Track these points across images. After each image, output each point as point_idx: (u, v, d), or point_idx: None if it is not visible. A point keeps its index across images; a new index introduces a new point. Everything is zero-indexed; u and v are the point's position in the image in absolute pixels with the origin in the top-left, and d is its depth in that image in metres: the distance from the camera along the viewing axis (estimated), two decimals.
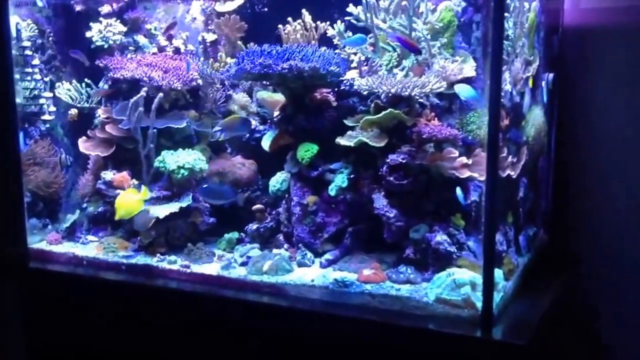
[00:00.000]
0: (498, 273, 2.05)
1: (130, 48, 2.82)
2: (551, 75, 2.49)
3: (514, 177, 2.16)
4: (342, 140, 2.23)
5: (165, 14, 2.80)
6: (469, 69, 2.27)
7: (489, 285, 1.92)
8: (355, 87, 2.21)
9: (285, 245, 2.47)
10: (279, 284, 2.25)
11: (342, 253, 2.36)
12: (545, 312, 2.12)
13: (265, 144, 2.55)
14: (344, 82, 2.32)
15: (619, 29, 2.57)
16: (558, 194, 2.72)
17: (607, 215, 2.66)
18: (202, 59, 2.71)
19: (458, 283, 2.00)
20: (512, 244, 2.25)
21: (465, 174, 2.10)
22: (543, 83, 2.45)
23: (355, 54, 2.37)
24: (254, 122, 2.67)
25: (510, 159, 2.13)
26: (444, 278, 2.04)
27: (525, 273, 2.32)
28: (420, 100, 2.20)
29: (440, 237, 2.13)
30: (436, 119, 2.20)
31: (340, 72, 2.28)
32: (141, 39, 2.82)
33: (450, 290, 2.01)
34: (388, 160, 2.15)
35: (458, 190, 2.07)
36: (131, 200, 2.51)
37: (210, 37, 2.73)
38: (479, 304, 1.94)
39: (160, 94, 2.49)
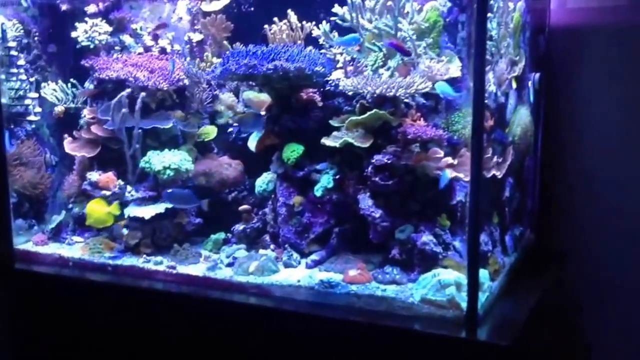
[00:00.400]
0: (483, 273, 2.06)
1: (116, 48, 2.80)
2: (537, 75, 2.49)
3: (500, 177, 2.16)
4: (327, 141, 2.22)
5: (151, 13, 2.78)
6: (455, 69, 2.27)
7: (473, 285, 1.92)
8: (341, 87, 2.21)
9: (272, 246, 2.47)
10: (265, 284, 2.24)
11: (328, 253, 2.36)
12: (532, 312, 2.13)
13: (252, 144, 2.55)
14: (330, 82, 2.32)
15: (606, 28, 2.58)
16: (545, 193, 2.72)
17: (594, 214, 2.68)
18: (188, 58, 2.69)
19: (443, 284, 2.00)
20: (497, 244, 2.25)
21: (451, 174, 2.10)
22: (529, 83, 2.46)
23: (341, 54, 2.36)
24: None
25: (495, 159, 2.14)
26: (430, 279, 2.04)
27: (511, 273, 2.32)
28: (406, 100, 2.19)
29: (425, 237, 2.13)
30: (422, 119, 2.19)
31: (325, 73, 2.27)
32: (127, 39, 2.81)
33: (435, 290, 2.01)
34: (373, 161, 2.15)
35: (444, 174, 2.06)
36: (100, 211, 2.55)
37: (196, 37, 2.72)
38: (464, 305, 1.94)
39: (143, 94, 2.47)
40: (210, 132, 2.67)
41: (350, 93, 2.22)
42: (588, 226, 2.70)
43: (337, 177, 2.25)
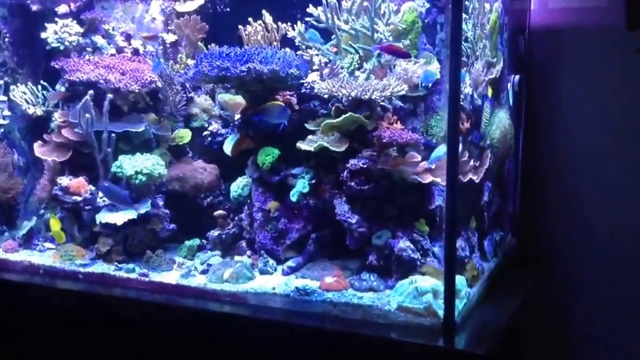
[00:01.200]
0: (461, 280, 2.02)
1: (88, 49, 2.73)
2: (517, 77, 2.46)
3: (477, 181, 2.12)
4: (302, 145, 2.17)
5: (124, 14, 2.71)
6: (433, 70, 2.22)
7: (450, 293, 1.88)
8: (316, 90, 2.16)
9: (248, 252, 2.42)
10: (239, 292, 2.19)
11: (305, 260, 2.31)
12: (511, 319, 2.09)
13: (227, 148, 2.49)
14: (305, 85, 2.27)
15: (587, 30, 2.55)
16: (526, 197, 2.69)
17: (576, 217, 2.65)
18: (162, 60, 2.62)
19: (420, 291, 1.96)
20: (476, 250, 2.21)
21: (428, 178, 2.06)
22: (509, 85, 2.42)
23: (317, 55, 2.30)
24: (216, 125, 2.60)
25: (472, 162, 2.09)
26: (407, 286, 2.00)
27: (491, 278, 2.29)
28: (382, 103, 2.14)
29: (403, 243, 2.09)
30: (399, 122, 2.15)
31: (300, 75, 2.22)
32: (99, 40, 2.74)
33: (412, 298, 1.96)
34: (348, 165, 2.09)
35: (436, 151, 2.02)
36: (55, 227, 2.52)
37: (170, 37, 2.65)
38: (441, 313, 1.89)
39: (110, 96, 2.40)
40: (184, 135, 2.61)
41: (325, 96, 2.17)
42: (570, 230, 2.67)
43: (313, 181, 2.20)
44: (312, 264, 2.29)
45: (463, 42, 2.11)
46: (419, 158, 2.07)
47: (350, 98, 2.07)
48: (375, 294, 2.08)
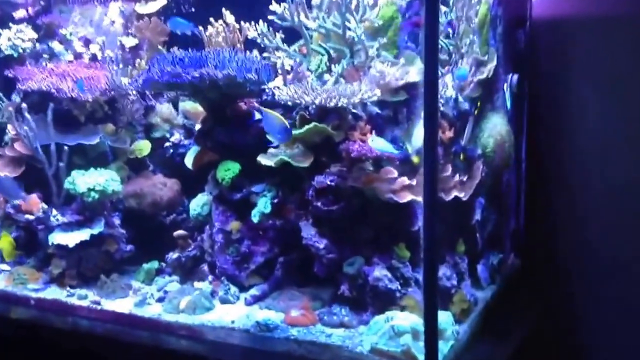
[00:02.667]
0: (446, 317, 1.73)
1: (45, 56, 2.50)
2: (515, 77, 2.15)
3: (465, 198, 1.83)
4: (263, 159, 1.91)
5: (82, 17, 2.47)
6: (415, 72, 1.93)
7: (431, 335, 1.58)
8: (277, 97, 1.88)
9: (210, 277, 2.16)
10: (195, 325, 1.94)
11: (271, 287, 2.04)
12: (511, 357, 1.80)
13: (188, 160, 2.24)
14: (267, 91, 1.99)
15: (599, 19, 2.21)
16: (531, 212, 2.38)
17: (590, 234, 2.31)
18: (120, 66, 2.38)
19: (397, 331, 1.67)
20: (466, 277, 1.92)
21: (406, 197, 1.77)
22: (505, 86, 2.12)
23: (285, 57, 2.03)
24: (178, 136, 2.35)
25: (457, 177, 1.80)
26: (382, 324, 1.72)
27: (488, 310, 1.99)
28: (354, 111, 1.86)
29: (379, 271, 1.81)
30: (373, 132, 1.86)
31: (261, 80, 1.95)
32: (56, 46, 2.51)
33: (388, 339, 1.68)
34: (314, 183, 1.82)
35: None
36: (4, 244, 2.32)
37: (130, 41, 2.41)
38: (422, 358, 1.60)
39: (51, 105, 2.17)
40: (143, 147, 2.37)
41: (289, 103, 1.89)
42: (583, 248, 2.34)
43: (276, 200, 1.93)
44: (279, 292, 2.03)
45: (443, 39, 1.84)
46: (395, 174, 1.79)
47: (314, 106, 1.79)
48: (347, 331, 1.81)
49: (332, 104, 1.74)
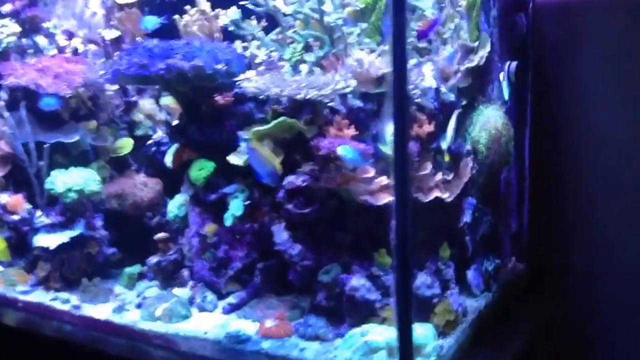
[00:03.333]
0: (425, 330, 1.58)
1: (30, 51, 2.43)
2: (514, 65, 1.97)
3: (449, 199, 1.67)
4: (232, 158, 1.78)
5: (65, 9, 2.39)
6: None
7: (405, 351, 1.42)
8: (245, 89, 1.75)
9: (191, 283, 2.05)
10: (169, 334, 1.84)
11: (249, 295, 1.92)
12: None
13: (168, 159, 2.12)
14: (238, 83, 1.86)
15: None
16: (536, 213, 2.20)
17: (604, 235, 2.13)
18: (102, 60, 2.29)
19: (371, 347, 1.54)
20: (452, 285, 1.76)
21: (384, 199, 1.63)
22: (501, 75, 1.94)
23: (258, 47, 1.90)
24: (161, 133, 2.25)
25: (439, 176, 1.65)
26: (357, 338, 1.58)
27: (482, 319, 1.82)
28: (331, 104, 1.72)
29: (356, 281, 1.67)
30: (352, 126, 1.71)
31: (233, 71, 1.82)
32: (40, 40, 2.43)
33: (361, 355, 1.56)
34: (284, 184, 1.69)
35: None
36: None
37: (111, 34, 2.31)
38: None
39: (24, 102, 2.09)
40: (125, 145, 2.27)
41: (261, 97, 1.76)
42: (594, 251, 2.15)
43: (248, 202, 1.80)
44: (257, 300, 1.90)
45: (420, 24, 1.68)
46: (372, 173, 1.64)
47: (283, 98, 1.66)
48: (322, 345, 1.68)
49: (300, 97, 1.60)
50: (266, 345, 1.70)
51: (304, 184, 1.67)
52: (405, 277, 1.39)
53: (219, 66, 1.75)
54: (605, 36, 2.06)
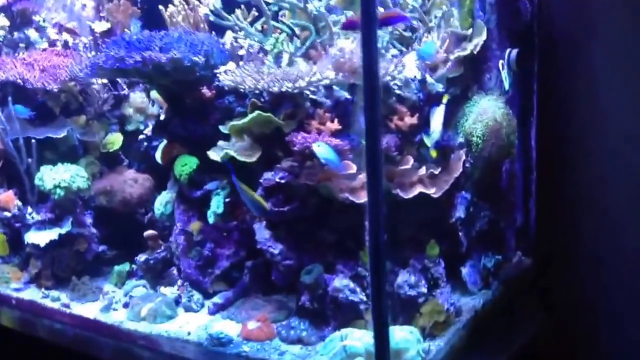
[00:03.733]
0: (407, 333, 1.49)
1: (21, 45, 2.39)
2: (514, 52, 1.86)
3: (436, 195, 1.57)
4: (212, 154, 1.71)
5: (55, 1, 2.34)
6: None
7: (381, 356, 1.35)
8: (221, 81, 1.68)
9: (179, 282, 1.99)
10: (153, 335, 1.80)
11: (236, 295, 1.86)
12: None
13: (158, 154, 2.07)
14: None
15: None
16: (544, 206, 2.08)
17: (616, 230, 1.99)
18: (92, 53, 2.24)
19: (349, 352, 1.45)
20: (442, 283, 1.66)
21: (365, 196, 1.53)
22: (500, 63, 1.83)
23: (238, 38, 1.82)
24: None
25: (423, 170, 1.55)
26: (336, 342, 1.50)
27: (479, 319, 1.73)
28: (313, 96, 1.63)
29: (339, 281, 1.59)
30: (336, 120, 1.62)
31: (213, 63, 1.75)
32: (32, 34, 2.39)
33: None
34: (261, 181, 1.61)
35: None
36: None
37: (101, 26, 2.25)
38: None
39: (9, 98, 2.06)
40: (115, 141, 2.23)
41: (241, 90, 1.68)
42: (606, 246, 2.01)
43: (228, 199, 1.73)
44: (244, 300, 1.84)
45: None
46: (354, 169, 1.55)
47: (257, 92, 1.58)
48: (304, 349, 1.61)
49: (275, 89, 1.52)
50: (247, 348, 1.64)
51: (282, 180, 1.59)
52: (379, 278, 1.30)
53: (197, 58, 1.68)
54: (618, 21, 1.92)
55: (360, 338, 1.47)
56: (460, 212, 1.70)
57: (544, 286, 2.04)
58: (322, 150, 1.47)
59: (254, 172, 1.68)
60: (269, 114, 1.57)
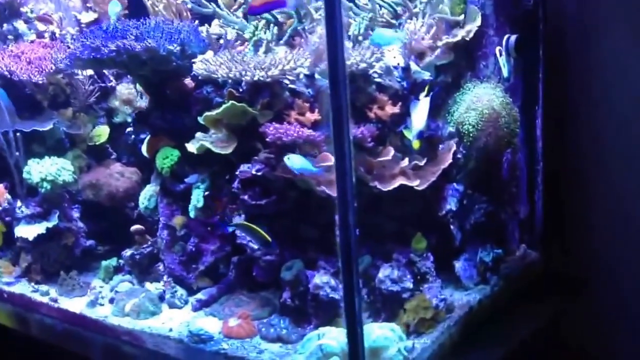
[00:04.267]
0: (386, 331, 1.41)
1: (10, 37, 2.34)
2: (513, 38, 1.74)
3: (420, 187, 1.48)
4: (189, 146, 1.64)
5: None
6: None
7: (354, 355, 1.27)
8: (194, 70, 1.61)
9: (165, 277, 1.94)
10: (136, 331, 1.76)
11: (220, 291, 1.81)
12: None
13: (144, 147, 2.01)
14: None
15: None
16: (552, 196, 1.98)
17: (629, 222, 1.90)
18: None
19: (325, 352, 1.39)
20: (431, 278, 1.57)
21: None
22: (497, 50, 1.72)
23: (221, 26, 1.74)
24: None
25: (406, 162, 1.46)
26: (313, 341, 1.43)
27: (474, 315, 1.64)
28: (292, 86, 1.55)
29: (319, 278, 1.52)
30: (317, 110, 1.54)
31: (191, 52, 1.67)
32: (20, 26, 2.34)
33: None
34: (237, 173, 1.54)
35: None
36: None
37: (88, 17, 2.20)
38: None
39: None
40: (101, 133, 2.17)
41: (219, 79, 1.60)
42: (618, 237, 1.93)
43: (207, 193, 1.67)
44: (228, 296, 1.78)
45: None
46: (332, 161, 1.47)
47: (230, 81, 1.51)
48: (283, 347, 1.55)
49: (247, 78, 1.44)
50: (226, 345, 1.59)
51: (259, 173, 1.51)
52: (349, 273, 1.23)
53: (172, 47, 1.61)
54: (631, 7, 1.81)
55: (336, 337, 1.40)
56: (451, 205, 1.61)
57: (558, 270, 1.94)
58: (294, 161, 1.40)
59: (235, 164, 1.61)
60: (242, 104, 1.50)
